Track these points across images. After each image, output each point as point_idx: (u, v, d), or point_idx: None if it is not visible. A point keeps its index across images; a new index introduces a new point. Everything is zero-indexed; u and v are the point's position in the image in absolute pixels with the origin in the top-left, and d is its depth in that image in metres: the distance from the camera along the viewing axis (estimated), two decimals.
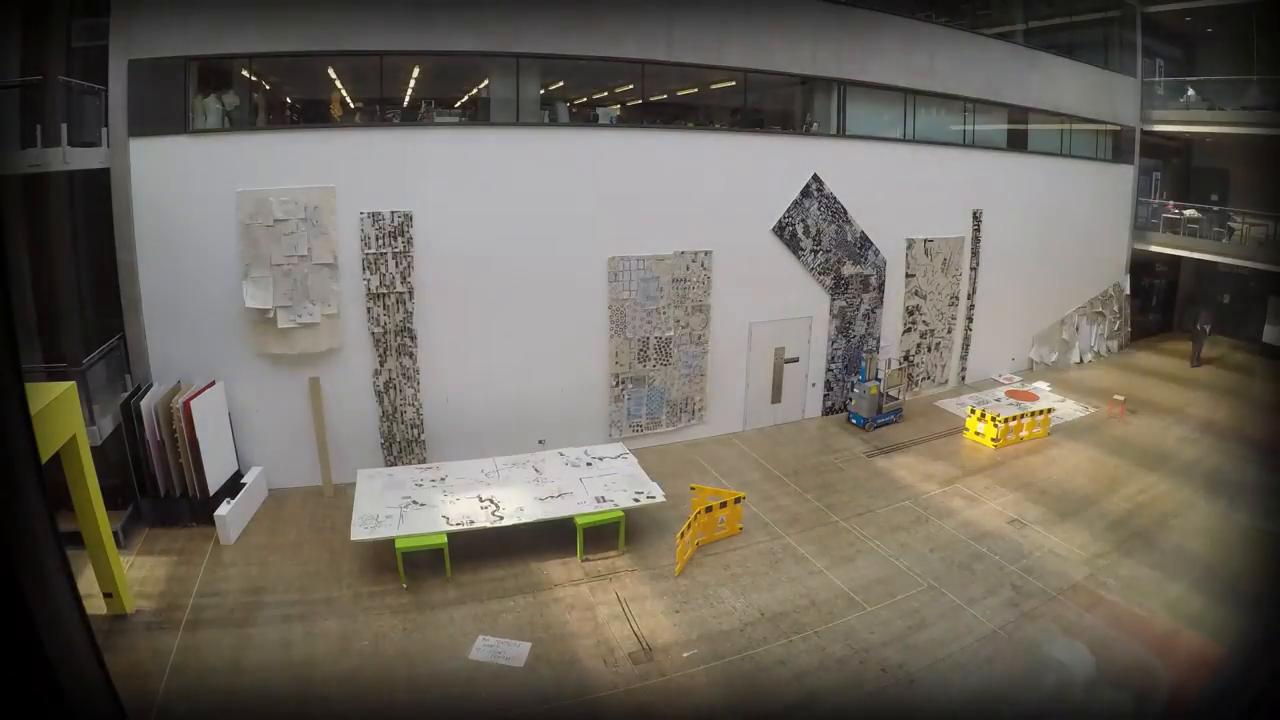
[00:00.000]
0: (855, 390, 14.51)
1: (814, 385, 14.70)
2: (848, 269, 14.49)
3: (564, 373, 12.25)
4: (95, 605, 7.82)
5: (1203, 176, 20.59)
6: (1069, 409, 15.41)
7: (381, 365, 11.22)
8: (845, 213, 14.17)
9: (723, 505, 10.18)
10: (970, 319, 16.64)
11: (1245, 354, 19.27)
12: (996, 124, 16.54)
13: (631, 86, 12.66)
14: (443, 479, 10.31)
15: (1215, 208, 18.91)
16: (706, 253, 12.84)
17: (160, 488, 9.93)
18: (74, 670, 1.48)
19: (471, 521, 9.30)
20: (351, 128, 11.48)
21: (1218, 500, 11.62)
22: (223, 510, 9.72)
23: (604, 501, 9.81)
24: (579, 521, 9.48)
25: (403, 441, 11.51)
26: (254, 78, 11.10)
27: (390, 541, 8.96)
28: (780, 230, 13.57)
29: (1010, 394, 16.18)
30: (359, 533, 9.03)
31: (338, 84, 11.62)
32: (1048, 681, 7.90)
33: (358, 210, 10.71)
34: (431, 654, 7.76)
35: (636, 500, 9.93)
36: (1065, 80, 17.26)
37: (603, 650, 7.86)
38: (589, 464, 10.84)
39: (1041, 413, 14.15)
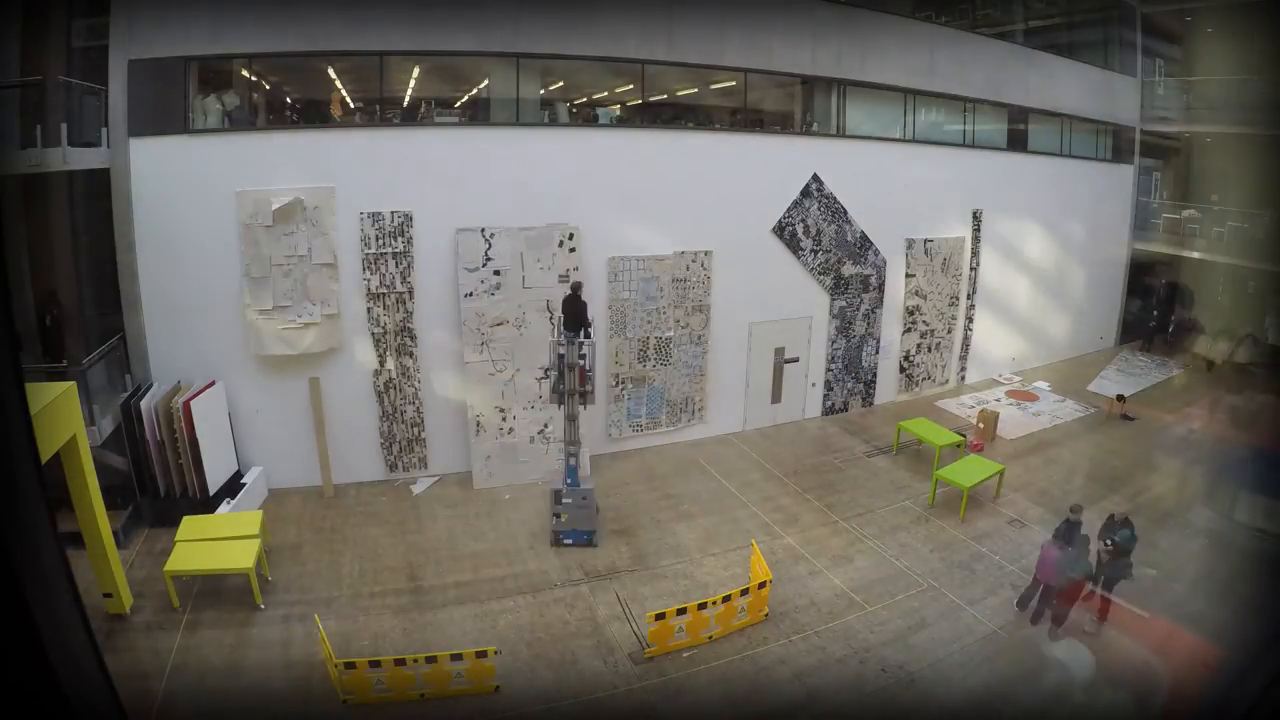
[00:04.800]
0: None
1: (814, 385, 14.70)
2: (848, 269, 14.49)
3: None
4: (95, 605, 7.82)
5: (1203, 176, 20.57)
6: (1069, 409, 15.41)
7: (381, 365, 11.22)
8: (845, 213, 14.17)
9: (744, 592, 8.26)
10: (970, 319, 16.64)
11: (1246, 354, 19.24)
12: (996, 124, 16.53)
13: (631, 86, 12.66)
14: None
15: (1215, 208, 18.90)
16: (706, 253, 12.84)
17: (160, 488, 9.94)
18: (74, 670, 1.48)
19: None
20: (351, 128, 11.48)
21: (1218, 501, 11.61)
22: (223, 510, 9.73)
23: None
24: None
25: (403, 441, 11.51)
26: (254, 78, 11.10)
27: (394, 543, 8.94)
28: (780, 230, 13.57)
29: (1011, 394, 16.20)
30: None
31: (338, 84, 11.62)
32: (1048, 681, 7.90)
33: (358, 210, 10.72)
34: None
35: None
36: (1065, 80, 17.25)
37: (603, 650, 7.86)
38: None
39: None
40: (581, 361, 9.38)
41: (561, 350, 9.38)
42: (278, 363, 10.77)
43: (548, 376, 9.63)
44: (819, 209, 13.87)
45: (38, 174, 8.71)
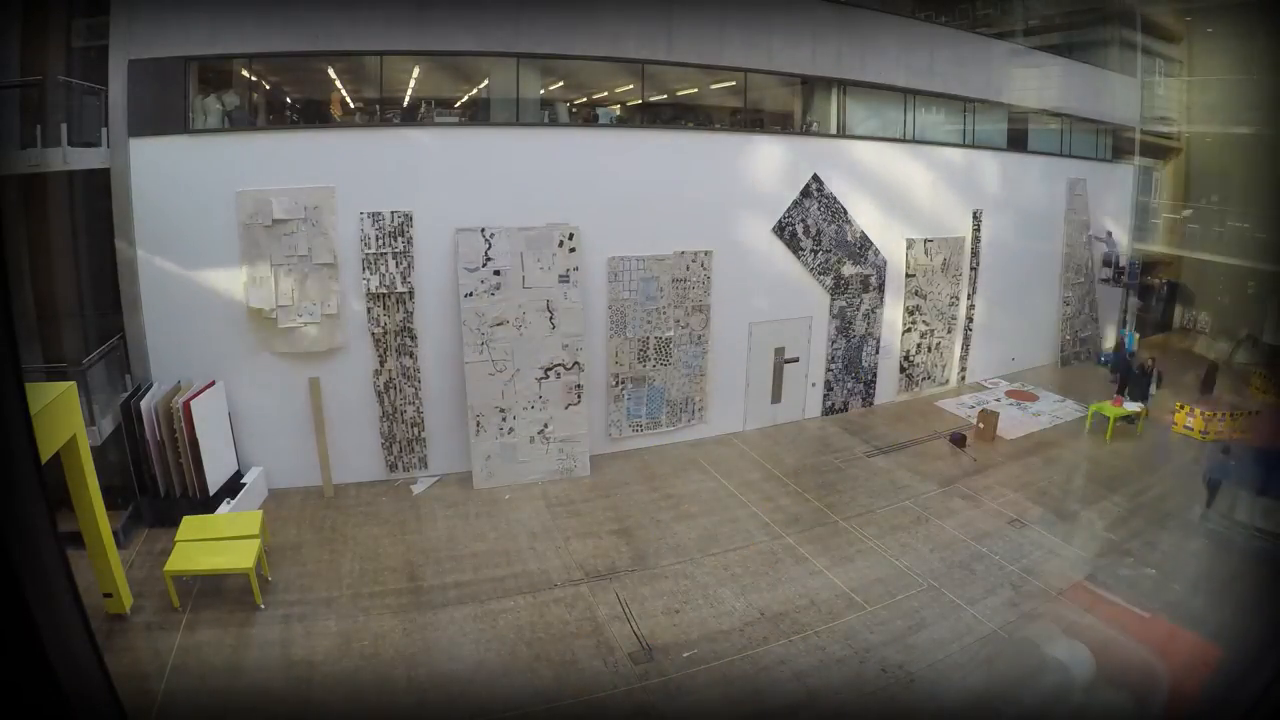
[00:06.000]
0: None
1: (814, 385, 14.70)
2: (848, 269, 14.50)
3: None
4: (95, 605, 7.82)
5: (1203, 176, 20.59)
6: (1069, 409, 15.41)
7: (381, 365, 11.22)
8: (845, 213, 14.17)
9: None
10: (970, 319, 16.64)
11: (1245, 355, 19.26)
12: (996, 124, 16.54)
13: (631, 86, 12.66)
14: None
15: (1215, 208, 18.91)
16: (706, 253, 12.84)
17: (160, 488, 9.93)
18: (74, 670, 1.48)
19: None
20: (351, 128, 11.48)
21: (1218, 500, 11.62)
22: (223, 510, 9.73)
23: None
24: None
25: (403, 441, 11.51)
26: (254, 78, 11.10)
27: (394, 543, 8.97)
28: (780, 230, 13.57)
29: (1010, 394, 16.19)
30: None
31: (338, 84, 11.62)
32: (1048, 681, 7.89)
33: (358, 210, 10.72)
34: (432, 654, 7.77)
35: None
36: (1065, 80, 17.26)
37: (603, 650, 7.86)
38: None
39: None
40: None
41: None
42: (278, 362, 10.77)
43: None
44: (819, 209, 13.87)
45: (38, 174, 8.70)
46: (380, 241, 10.87)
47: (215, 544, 8.57)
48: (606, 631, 8.16)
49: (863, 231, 14.48)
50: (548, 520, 10.51)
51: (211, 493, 9.97)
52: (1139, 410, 13.96)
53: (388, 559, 9.38)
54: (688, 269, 12.76)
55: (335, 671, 7.45)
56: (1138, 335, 18.27)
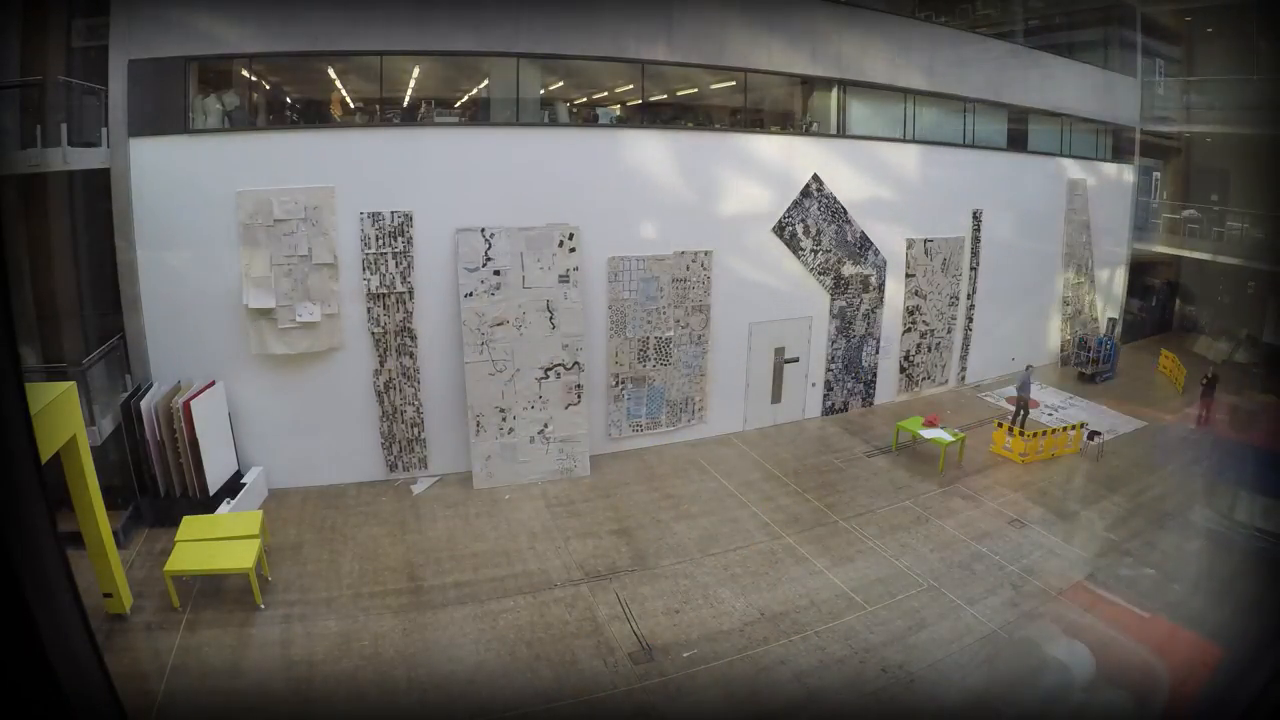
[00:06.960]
0: None
1: (814, 385, 14.70)
2: (848, 269, 14.49)
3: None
4: (95, 605, 7.82)
5: (1203, 176, 20.60)
6: (1070, 410, 15.41)
7: (381, 365, 11.22)
8: (845, 213, 14.17)
9: None
10: (970, 319, 16.64)
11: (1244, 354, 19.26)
12: (996, 124, 16.54)
13: (631, 86, 12.66)
14: None
15: (1215, 208, 18.92)
16: (706, 253, 12.84)
17: (160, 488, 9.93)
18: (74, 670, 1.48)
19: None
20: (351, 128, 11.48)
21: (1218, 501, 11.62)
22: (223, 510, 9.73)
23: None
24: None
25: (403, 441, 11.51)
26: (254, 78, 11.10)
27: (394, 543, 8.95)
28: (780, 230, 13.57)
29: (1011, 400, 16.15)
30: None
31: (338, 84, 11.62)
32: (1048, 681, 7.89)
33: (358, 210, 10.72)
34: (432, 654, 7.76)
35: None
36: (1065, 80, 17.26)
37: (603, 650, 7.86)
38: None
39: (1074, 427, 13.61)
40: None
41: None
42: (278, 363, 10.77)
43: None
44: (819, 209, 13.87)
45: (38, 174, 8.71)
46: (380, 241, 10.87)
47: (215, 544, 8.57)
48: (606, 631, 8.16)
49: (863, 231, 14.48)
50: (548, 520, 10.51)
51: (211, 493, 9.97)
52: (952, 438, 12.65)
53: (388, 559, 9.38)
54: (688, 269, 12.76)
55: (335, 671, 7.45)
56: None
